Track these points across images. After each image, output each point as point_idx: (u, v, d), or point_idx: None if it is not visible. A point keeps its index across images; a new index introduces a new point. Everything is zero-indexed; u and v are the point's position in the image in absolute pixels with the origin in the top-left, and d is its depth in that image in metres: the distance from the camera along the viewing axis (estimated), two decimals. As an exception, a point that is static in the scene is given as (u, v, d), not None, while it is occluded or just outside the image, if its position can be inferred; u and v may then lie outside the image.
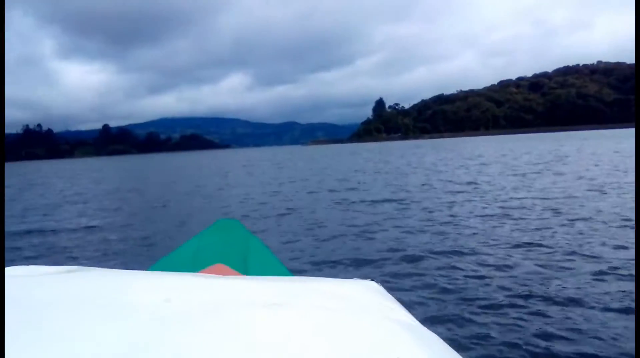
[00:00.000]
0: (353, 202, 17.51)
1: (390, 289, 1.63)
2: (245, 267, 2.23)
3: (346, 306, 1.22)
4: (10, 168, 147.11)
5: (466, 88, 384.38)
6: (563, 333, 5.38)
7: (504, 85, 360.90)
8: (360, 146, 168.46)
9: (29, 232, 14.48)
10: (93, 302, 1.05)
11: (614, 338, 5.16)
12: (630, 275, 7.13)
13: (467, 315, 5.98)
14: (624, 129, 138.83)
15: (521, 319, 5.82)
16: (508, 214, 12.95)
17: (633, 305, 5.92)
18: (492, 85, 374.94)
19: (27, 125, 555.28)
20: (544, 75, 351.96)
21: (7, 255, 11.17)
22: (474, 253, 9.11)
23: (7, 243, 12.63)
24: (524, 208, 13.89)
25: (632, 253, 8.19)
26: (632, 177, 19.26)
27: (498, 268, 8.03)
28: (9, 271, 1.35)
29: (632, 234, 9.70)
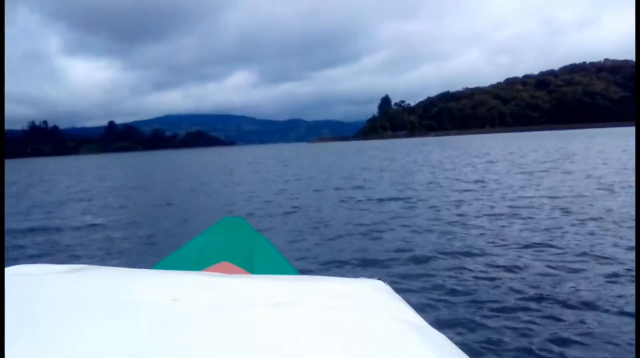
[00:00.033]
0: (359, 200, 17.36)
1: (399, 290, 1.60)
2: (251, 265, 2.23)
3: (353, 306, 1.21)
4: (15, 164, 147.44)
5: (472, 85, 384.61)
6: (577, 338, 5.22)
7: (511, 83, 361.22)
8: (366, 144, 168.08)
9: (32, 230, 14.36)
10: (100, 301, 1.05)
11: (630, 344, 5.00)
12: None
13: (477, 319, 5.82)
14: (631, 127, 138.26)
15: (533, 323, 5.67)
16: (517, 214, 12.78)
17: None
18: (498, 82, 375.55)
19: (33, 122, 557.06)
20: (551, 73, 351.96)
21: (11, 253, 11.13)
22: (482, 253, 8.95)
23: (11, 241, 12.54)
24: (532, 207, 13.72)
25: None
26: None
27: (508, 269, 7.86)
28: (15, 269, 1.35)
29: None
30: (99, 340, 0.85)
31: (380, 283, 1.56)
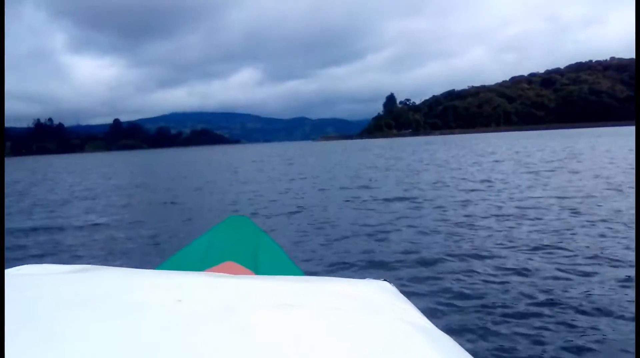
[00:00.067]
0: (365, 200, 17.20)
1: (406, 293, 1.58)
2: (256, 264, 2.24)
3: (359, 307, 1.22)
4: (20, 162, 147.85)
5: (478, 84, 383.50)
6: (592, 345, 5.07)
7: (516, 81, 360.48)
8: (371, 142, 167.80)
9: (35, 229, 14.25)
10: (104, 301, 1.05)
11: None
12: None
13: (488, 325, 5.65)
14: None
15: (545, 329, 5.50)
16: (525, 214, 12.61)
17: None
18: (503, 81, 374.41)
19: (39, 119, 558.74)
20: (556, 71, 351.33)
21: (13, 253, 10.99)
22: (491, 255, 8.78)
23: (13, 241, 12.42)
24: (540, 207, 13.55)
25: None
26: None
27: (517, 272, 7.69)
28: (20, 269, 1.38)
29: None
30: (104, 340, 0.85)
31: (386, 284, 1.56)
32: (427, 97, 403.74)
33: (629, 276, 7.10)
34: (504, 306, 6.22)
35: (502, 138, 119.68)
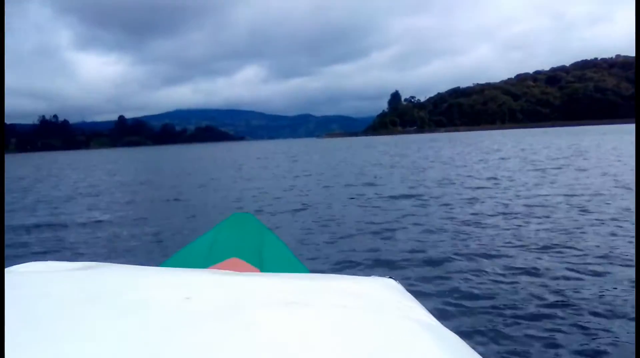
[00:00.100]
0: (370, 198, 17.06)
1: (413, 293, 1.55)
2: (261, 261, 2.25)
3: (365, 305, 1.22)
4: (25, 158, 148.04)
5: (483, 81, 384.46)
6: (606, 348, 4.93)
7: (521, 78, 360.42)
8: (376, 139, 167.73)
9: (38, 226, 14.13)
10: (112, 299, 1.05)
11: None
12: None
13: (498, 327, 5.50)
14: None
15: (557, 331, 5.35)
16: (532, 213, 12.45)
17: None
18: (509, 78, 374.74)
19: (44, 116, 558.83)
20: (562, 69, 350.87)
21: (15, 250, 10.89)
22: (499, 254, 8.63)
23: (16, 238, 12.33)
24: (548, 205, 13.39)
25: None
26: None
27: (527, 272, 7.54)
28: (25, 267, 1.38)
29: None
30: (111, 338, 0.85)
31: (391, 281, 1.57)
32: (432, 95, 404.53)
33: (641, 277, 6.95)
34: (514, 307, 6.06)
35: (507, 135, 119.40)
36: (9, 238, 12.21)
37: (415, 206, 14.52)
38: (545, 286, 6.82)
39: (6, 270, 1.31)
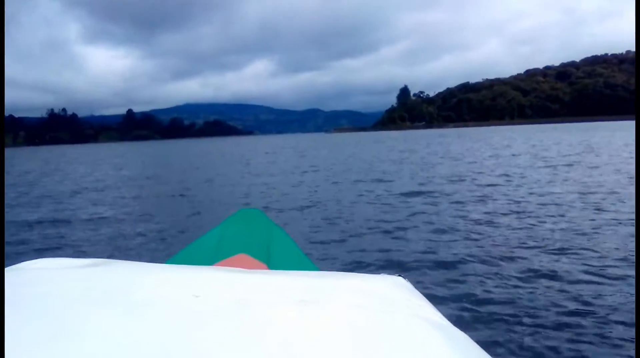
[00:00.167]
0: (379, 194, 16.83)
1: (427, 296, 1.49)
2: (269, 257, 2.22)
3: (374, 303, 1.21)
4: (34, 152, 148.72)
5: (492, 77, 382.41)
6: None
7: (531, 74, 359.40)
8: (384, 135, 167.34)
9: (40, 222, 13.93)
10: (120, 296, 1.06)
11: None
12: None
13: (517, 337, 5.18)
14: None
15: (581, 342, 5.06)
16: (546, 212, 12.14)
17: None
18: (518, 74, 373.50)
19: (52, 109, 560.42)
20: (572, 64, 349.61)
21: (15, 248, 10.70)
22: (514, 256, 8.34)
23: (14, 235, 12.11)
24: (562, 204, 13.09)
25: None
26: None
27: (544, 275, 7.23)
28: (34, 263, 1.36)
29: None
30: (123, 336, 0.85)
31: (401, 279, 1.56)
32: (441, 90, 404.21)
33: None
34: (533, 315, 5.74)
35: (516, 131, 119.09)
36: (11, 233, 12.05)
37: (425, 204, 14.25)
38: (565, 291, 6.51)
39: (16, 266, 1.30)
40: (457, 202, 14.32)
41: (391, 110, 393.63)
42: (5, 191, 22.96)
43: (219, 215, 12.71)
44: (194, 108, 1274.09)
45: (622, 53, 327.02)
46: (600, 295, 6.32)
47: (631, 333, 5.17)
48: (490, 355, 1.05)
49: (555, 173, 20.81)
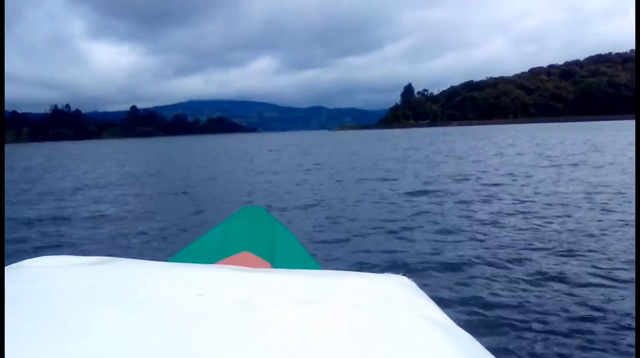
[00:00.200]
0: (383, 193, 16.73)
1: (434, 299, 1.46)
2: (272, 255, 2.21)
3: (378, 303, 1.20)
4: (37, 148, 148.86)
5: (496, 75, 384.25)
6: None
7: (535, 72, 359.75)
8: (388, 133, 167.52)
9: (40, 220, 13.85)
10: (125, 295, 1.05)
11: None
12: None
13: (527, 344, 5.05)
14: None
15: (590, 349, 4.92)
16: (553, 212, 12.00)
17: None
18: (522, 72, 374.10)
19: (56, 105, 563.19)
20: (576, 63, 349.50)
21: (15, 246, 10.60)
22: (521, 258, 8.20)
23: (16, 232, 12.02)
24: (569, 204, 12.95)
25: None
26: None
27: (552, 278, 7.08)
28: (37, 261, 1.31)
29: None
30: (127, 335, 0.85)
31: (405, 279, 1.53)
32: (445, 88, 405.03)
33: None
34: (543, 321, 5.58)
35: (520, 129, 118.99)
36: (10, 231, 11.98)
37: (430, 204, 14.13)
38: (575, 295, 6.37)
39: (18, 264, 1.26)
40: (462, 201, 14.22)
41: (395, 108, 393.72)
42: (6, 187, 22.92)
43: (222, 213, 12.63)
44: (197, 105, 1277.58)
45: (626, 52, 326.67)
46: (610, 299, 6.18)
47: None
48: (495, 357, 1.03)
49: (560, 173, 20.67)
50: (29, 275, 1.14)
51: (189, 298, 1.02)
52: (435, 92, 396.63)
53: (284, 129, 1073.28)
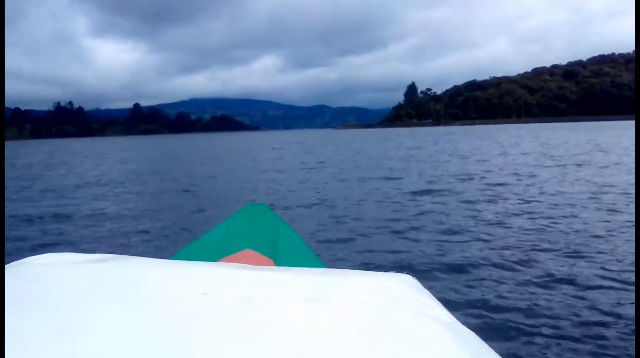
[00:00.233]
0: (387, 192, 16.64)
1: (441, 300, 1.42)
2: (275, 253, 2.22)
3: (383, 302, 1.20)
4: (40, 145, 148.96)
5: (499, 75, 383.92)
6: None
7: (538, 72, 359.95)
8: (391, 131, 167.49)
9: (40, 217, 13.74)
10: (129, 293, 1.05)
11: None
12: None
13: (539, 351, 4.94)
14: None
15: (602, 355, 4.79)
16: (559, 213, 11.89)
17: None
18: (525, 72, 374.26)
19: (59, 102, 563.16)
20: (579, 63, 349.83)
21: (14, 244, 10.51)
22: (528, 259, 8.06)
23: (15, 230, 11.96)
24: (575, 204, 12.83)
25: None
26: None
27: (560, 280, 6.95)
28: (41, 258, 1.32)
29: None
30: (131, 333, 0.85)
31: (409, 277, 1.51)
32: (448, 87, 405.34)
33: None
34: (554, 326, 5.44)
35: (523, 129, 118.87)
36: (10, 229, 11.92)
37: (434, 203, 14.01)
38: (585, 298, 6.23)
39: (21, 261, 1.27)
40: (467, 201, 14.10)
41: (398, 107, 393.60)
42: (7, 184, 22.86)
43: (224, 211, 12.59)
44: (201, 103, 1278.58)
45: (629, 53, 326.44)
46: (620, 303, 6.05)
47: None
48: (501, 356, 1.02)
49: (565, 172, 20.57)
50: (32, 273, 1.14)
51: (193, 296, 1.03)
52: (439, 92, 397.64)
53: (287, 127, 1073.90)
